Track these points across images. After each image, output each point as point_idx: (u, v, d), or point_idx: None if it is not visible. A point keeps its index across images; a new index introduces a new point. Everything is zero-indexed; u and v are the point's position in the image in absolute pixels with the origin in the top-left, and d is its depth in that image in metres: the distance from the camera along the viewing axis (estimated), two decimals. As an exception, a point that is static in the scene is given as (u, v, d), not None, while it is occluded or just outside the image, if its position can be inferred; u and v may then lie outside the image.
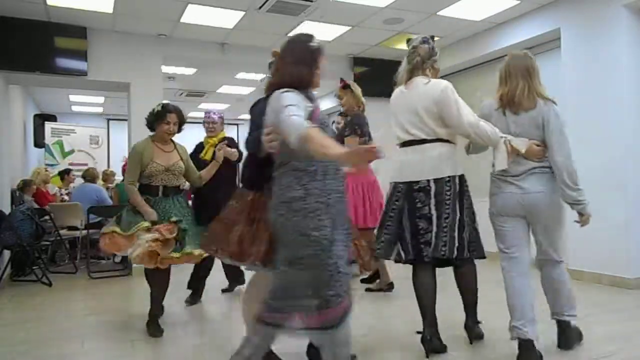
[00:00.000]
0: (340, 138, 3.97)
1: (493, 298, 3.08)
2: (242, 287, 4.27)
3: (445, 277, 2.97)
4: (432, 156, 2.69)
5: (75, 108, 11.34)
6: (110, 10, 5.40)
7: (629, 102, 4.60)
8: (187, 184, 3.71)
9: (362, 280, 4.61)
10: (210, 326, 3.73)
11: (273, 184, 2.08)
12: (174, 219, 3.18)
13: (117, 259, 6.20)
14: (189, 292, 4.22)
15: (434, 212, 2.65)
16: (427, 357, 2.70)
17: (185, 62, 7.44)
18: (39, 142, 9.17)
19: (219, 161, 3.60)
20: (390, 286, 4.41)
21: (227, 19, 5.69)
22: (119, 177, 8.02)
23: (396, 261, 2.80)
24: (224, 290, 4.55)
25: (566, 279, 2.79)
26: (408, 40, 2.92)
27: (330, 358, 2.01)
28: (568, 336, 2.81)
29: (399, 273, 3.89)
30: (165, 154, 3.41)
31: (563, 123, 2.63)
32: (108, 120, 12.19)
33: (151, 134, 3.48)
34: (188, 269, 4.06)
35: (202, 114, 4.45)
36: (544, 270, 2.80)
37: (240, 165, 3.75)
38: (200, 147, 4.27)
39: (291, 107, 1.92)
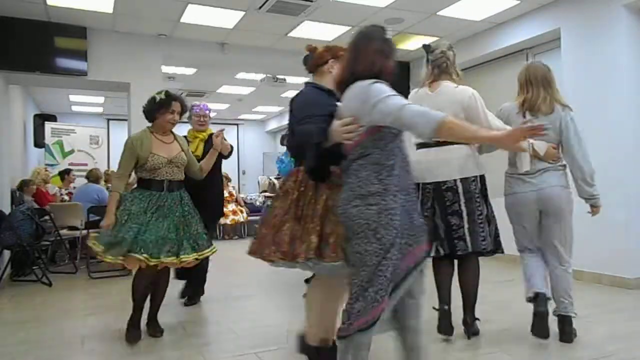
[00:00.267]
0: None
1: (492, 298, 3.09)
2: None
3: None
4: (459, 156, 2.87)
5: (75, 108, 11.36)
6: (110, 10, 5.40)
7: (629, 102, 4.61)
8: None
9: None
10: (210, 326, 3.72)
11: (347, 175, 2.02)
12: (184, 258, 3.04)
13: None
14: (196, 284, 4.17)
15: (464, 208, 2.85)
16: (440, 332, 2.91)
17: (185, 62, 7.45)
18: (39, 142, 9.17)
19: (217, 149, 3.43)
20: None
21: (227, 19, 5.69)
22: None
23: (434, 258, 2.96)
24: (186, 304, 4.12)
25: (571, 278, 2.96)
26: (425, 45, 3.11)
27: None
28: (567, 331, 2.92)
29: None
30: (166, 146, 3.19)
31: (578, 126, 2.92)
32: (108, 120, 12.21)
33: (149, 124, 3.25)
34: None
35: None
36: (548, 266, 2.99)
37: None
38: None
39: (395, 97, 1.89)
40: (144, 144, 3.11)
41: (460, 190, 2.86)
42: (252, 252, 2.34)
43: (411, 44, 6.61)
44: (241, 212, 9.49)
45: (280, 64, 7.14)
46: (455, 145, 2.84)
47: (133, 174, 3.23)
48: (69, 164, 8.79)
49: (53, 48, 5.64)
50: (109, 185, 7.79)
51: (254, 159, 13.91)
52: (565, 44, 5.15)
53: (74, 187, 7.55)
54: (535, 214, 2.96)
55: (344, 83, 2.09)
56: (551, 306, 2.93)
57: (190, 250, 3.11)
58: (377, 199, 1.90)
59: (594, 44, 4.85)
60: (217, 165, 3.75)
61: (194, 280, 4.15)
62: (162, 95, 3.17)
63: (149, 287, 3.21)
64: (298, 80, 7.79)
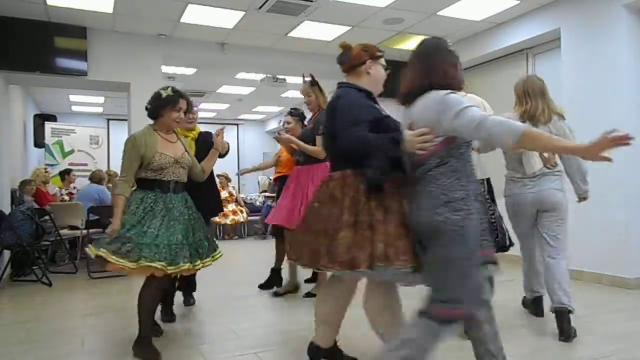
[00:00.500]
0: (311, 137, 3.89)
1: (492, 298, 3.08)
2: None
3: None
4: None
5: (75, 108, 11.36)
6: (110, 10, 5.40)
7: (629, 102, 4.61)
8: None
9: (306, 281, 4.66)
10: (210, 326, 3.72)
11: (423, 184, 2.02)
12: (199, 265, 2.87)
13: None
14: (188, 292, 4.19)
15: None
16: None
17: (185, 62, 7.45)
18: (39, 142, 9.17)
19: (217, 148, 3.23)
20: (296, 288, 4.45)
21: (227, 19, 5.69)
22: (119, 178, 8.00)
23: None
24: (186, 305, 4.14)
25: (565, 271, 3.08)
26: None
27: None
28: (566, 330, 2.94)
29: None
30: (171, 145, 2.97)
31: (574, 133, 3.13)
32: (108, 120, 12.22)
33: (150, 122, 3.02)
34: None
35: (202, 114, 4.36)
36: (545, 264, 3.15)
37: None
38: None
39: (473, 108, 1.91)
40: (149, 143, 2.86)
41: None
42: (296, 259, 2.33)
43: (411, 44, 6.61)
44: (241, 212, 9.49)
45: (280, 64, 7.13)
46: None
47: None
48: (69, 164, 8.79)
49: (53, 48, 5.64)
50: (109, 185, 7.81)
51: (254, 159, 13.86)
52: (565, 44, 5.15)
53: (74, 187, 7.55)
54: (532, 213, 3.21)
55: (412, 94, 2.10)
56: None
57: (200, 255, 2.93)
58: (461, 204, 1.94)
59: (594, 44, 4.85)
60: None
61: (185, 289, 4.12)
62: (169, 92, 2.95)
63: (159, 297, 2.97)
64: (298, 80, 7.77)
